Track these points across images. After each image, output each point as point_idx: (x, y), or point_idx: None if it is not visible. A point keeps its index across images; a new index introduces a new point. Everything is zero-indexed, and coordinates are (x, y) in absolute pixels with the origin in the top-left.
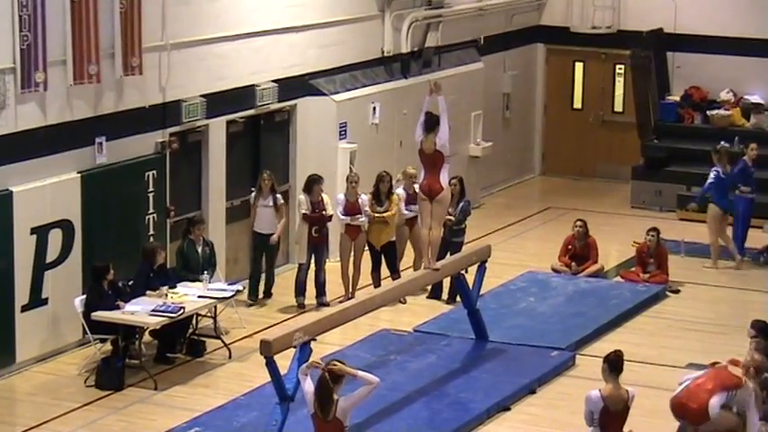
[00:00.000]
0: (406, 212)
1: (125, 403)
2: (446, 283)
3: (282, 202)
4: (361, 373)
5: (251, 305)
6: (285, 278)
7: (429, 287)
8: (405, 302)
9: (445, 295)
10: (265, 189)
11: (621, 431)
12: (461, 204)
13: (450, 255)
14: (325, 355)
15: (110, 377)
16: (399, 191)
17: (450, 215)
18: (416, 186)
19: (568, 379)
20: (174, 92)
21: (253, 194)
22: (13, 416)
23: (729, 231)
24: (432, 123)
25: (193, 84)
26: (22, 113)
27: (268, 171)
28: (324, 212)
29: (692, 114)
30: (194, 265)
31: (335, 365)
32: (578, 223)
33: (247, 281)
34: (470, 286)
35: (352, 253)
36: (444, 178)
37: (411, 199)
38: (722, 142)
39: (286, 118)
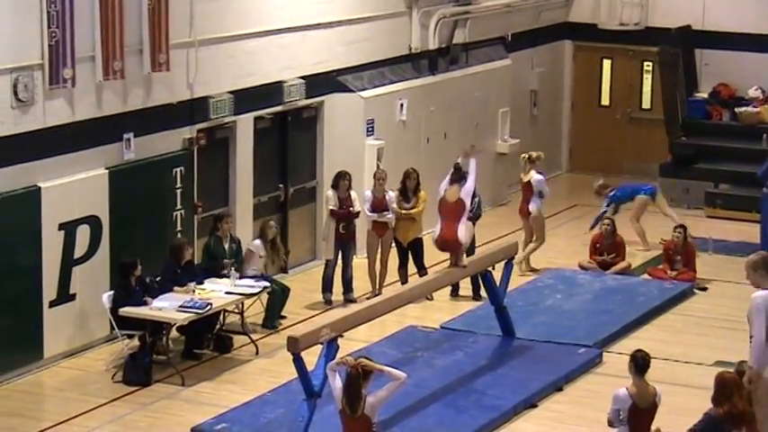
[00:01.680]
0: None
1: (152, 399)
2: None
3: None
4: (387, 368)
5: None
6: (312, 274)
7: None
8: (432, 299)
9: (465, 291)
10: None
11: (649, 429)
12: (476, 199)
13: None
14: (351, 352)
15: (137, 373)
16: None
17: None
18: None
19: (595, 376)
20: (201, 88)
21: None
22: (41, 411)
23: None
24: (458, 176)
25: (221, 80)
26: (51, 109)
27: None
28: (351, 209)
29: (721, 111)
30: (220, 262)
31: (363, 362)
32: (606, 221)
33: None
34: (498, 283)
35: (379, 249)
36: (462, 232)
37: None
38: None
39: (313, 114)
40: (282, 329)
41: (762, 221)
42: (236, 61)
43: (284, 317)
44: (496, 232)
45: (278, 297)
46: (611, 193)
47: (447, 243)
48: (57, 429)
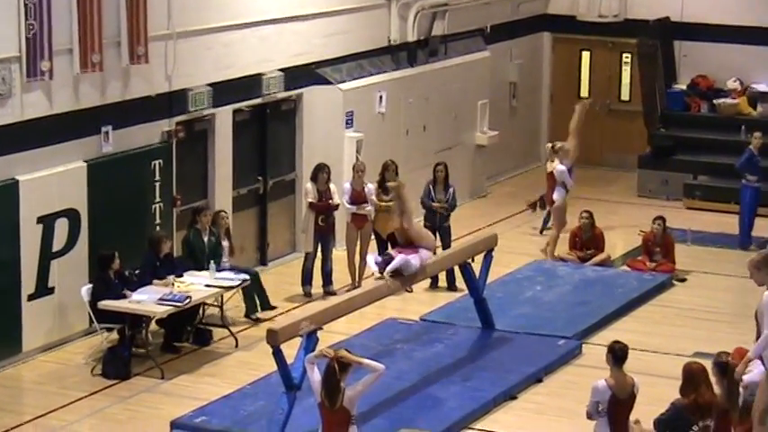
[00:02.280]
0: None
1: (131, 392)
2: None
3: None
4: (366, 360)
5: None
6: (292, 267)
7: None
8: (411, 291)
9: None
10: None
11: (628, 419)
12: (451, 190)
13: (441, 240)
14: (331, 345)
15: (116, 366)
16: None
17: (441, 201)
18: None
19: (575, 368)
20: (180, 81)
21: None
22: (20, 404)
23: None
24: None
25: (200, 72)
26: (28, 102)
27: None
28: (330, 201)
29: (699, 103)
30: (200, 255)
31: (341, 353)
32: (584, 215)
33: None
34: (477, 275)
35: (359, 242)
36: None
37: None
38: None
39: (292, 107)
40: (262, 322)
41: (740, 213)
42: (214, 54)
43: (275, 306)
44: (476, 224)
45: (253, 285)
46: None
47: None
48: (36, 423)
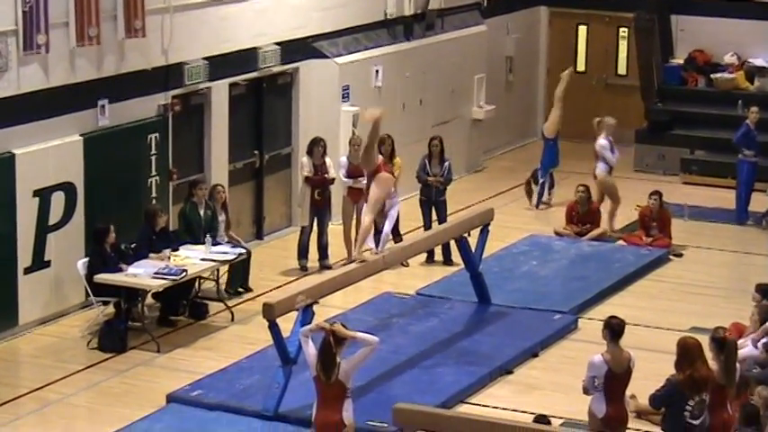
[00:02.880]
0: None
1: (128, 365)
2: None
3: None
4: (360, 334)
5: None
6: (287, 241)
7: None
8: (407, 266)
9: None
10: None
11: (624, 394)
12: (446, 164)
13: (437, 214)
14: (327, 318)
15: (112, 339)
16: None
17: (436, 175)
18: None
19: (571, 342)
20: (176, 54)
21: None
22: (17, 378)
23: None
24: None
25: (196, 46)
26: (25, 76)
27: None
28: (326, 175)
29: (696, 78)
30: (196, 228)
31: (336, 327)
32: (580, 188)
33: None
34: (473, 249)
35: (355, 216)
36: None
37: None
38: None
39: (289, 81)
40: (257, 296)
41: (737, 187)
42: (210, 27)
43: (251, 289)
44: (472, 198)
45: (242, 261)
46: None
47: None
48: (32, 396)
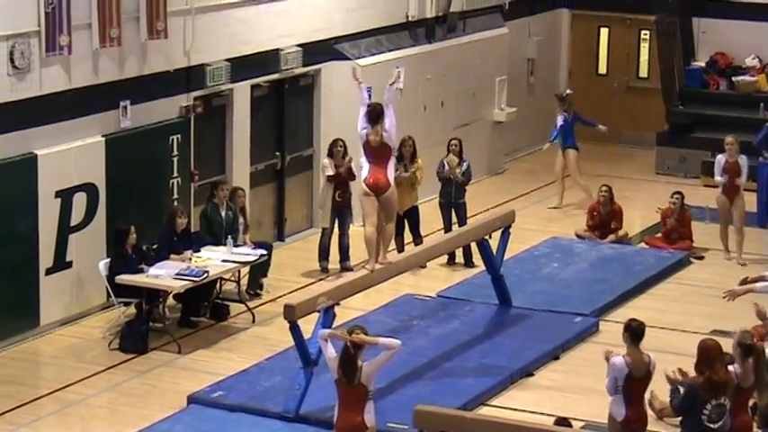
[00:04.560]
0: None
1: (149, 366)
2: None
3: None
4: (381, 339)
5: None
6: (309, 242)
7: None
8: (425, 267)
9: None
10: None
11: (644, 397)
12: (465, 163)
13: (458, 216)
14: (348, 320)
15: (134, 340)
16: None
17: (456, 176)
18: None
19: (592, 345)
20: (198, 56)
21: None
22: (38, 378)
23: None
24: (376, 114)
25: (218, 48)
26: (47, 77)
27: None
28: (348, 175)
29: (718, 80)
30: (217, 229)
31: (357, 336)
32: (603, 189)
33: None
34: (494, 252)
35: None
36: (391, 173)
37: None
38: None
39: (310, 82)
40: (278, 297)
41: (758, 190)
42: (232, 29)
43: (262, 285)
44: (493, 200)
45: (260, 263)
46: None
47: (379, 186)
48: (53, 397)
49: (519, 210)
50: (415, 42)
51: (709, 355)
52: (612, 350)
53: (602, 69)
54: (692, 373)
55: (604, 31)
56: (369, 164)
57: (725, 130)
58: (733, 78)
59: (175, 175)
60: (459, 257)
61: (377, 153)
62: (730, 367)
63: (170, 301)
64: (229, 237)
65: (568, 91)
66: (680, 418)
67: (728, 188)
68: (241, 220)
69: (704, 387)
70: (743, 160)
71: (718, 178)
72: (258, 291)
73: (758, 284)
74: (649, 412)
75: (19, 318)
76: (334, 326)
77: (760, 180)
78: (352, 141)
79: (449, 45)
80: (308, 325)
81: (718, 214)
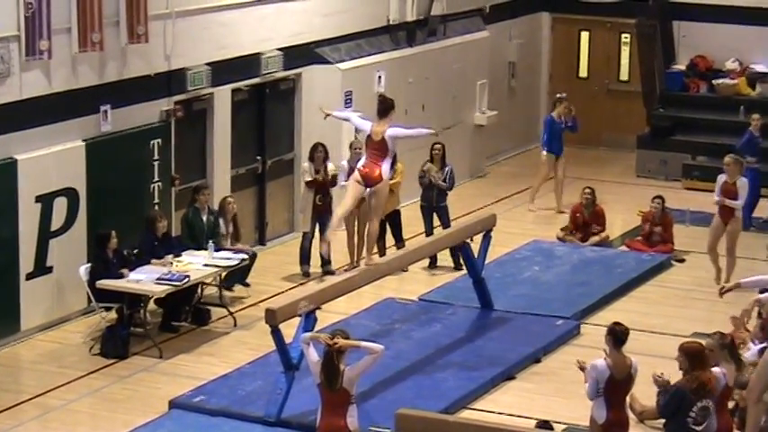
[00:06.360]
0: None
1: (130, 371)
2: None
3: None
4: (364, 343)
5: None
6: (289, 246)
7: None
8: (407, 271)
9: (443, 263)
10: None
11: (625, 400)
12: (448, 168)
13: (440, 220)
14: (330, 324)
15: (115, 345)
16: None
17: (438, 183)
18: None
19: (573, 348)
20: (179, 60)
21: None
22: (18, 384)
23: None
24: (385, 107)
25: (198, 52)
26: (27, 81)
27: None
28: (327, 179)
29: (698, 83)
30: (199, 234)
31: (338, 341)
32: (586, 191)
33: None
34: (476, 255)
35: (357, 222)
36: (386, 170)
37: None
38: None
39: (291, 86)
40: (260, 302)
41: None
42: (213, 33)
43: (248, 284)
44: (474, 204)
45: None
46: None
47: (371, 177)
48: (34, 402)
49: (500, 213)
50: (395, 46)
51: (693, 357)
52: (585, 361)
53: (583, 73)
54: (674, 377)
55: (585, 35)
56: (366, 156)
57: (705, 134)
58: (713, 81)
59: (156, 179)
60: (441, 261)
61: (376, 147)
62: (716, 369)
63: (151, 305)
64: (210, 241)
65: (563, 94)
66: (663, 421)
67: (722, 210)
68: (231, 228)
69: (693, 389)
70: (741, 182)
71: (715, 198)
72: (232, 288)
73: (743, 280)
74: (630, 415)
75: None
76: (315, 330)
77: None
78: (334, 146)
79: (429, 49)
80: (289, 329)
81: (709, 234)
